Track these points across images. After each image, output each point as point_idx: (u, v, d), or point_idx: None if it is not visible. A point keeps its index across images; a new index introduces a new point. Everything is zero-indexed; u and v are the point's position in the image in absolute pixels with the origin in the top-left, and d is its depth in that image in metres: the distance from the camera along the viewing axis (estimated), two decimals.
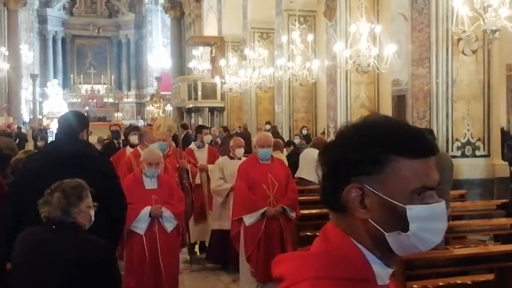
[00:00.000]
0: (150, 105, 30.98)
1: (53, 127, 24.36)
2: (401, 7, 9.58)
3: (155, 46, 34.74)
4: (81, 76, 37.27)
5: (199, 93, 20.74)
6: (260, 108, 18.18)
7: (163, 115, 10.06)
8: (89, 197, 2.87)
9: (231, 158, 6.58)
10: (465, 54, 8.28)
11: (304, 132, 14.12)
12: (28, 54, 30.32)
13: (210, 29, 23.82)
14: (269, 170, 5.50)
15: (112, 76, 38.13)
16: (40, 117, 31.08)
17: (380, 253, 1.10)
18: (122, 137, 10.32)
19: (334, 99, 11.75)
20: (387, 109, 11.02)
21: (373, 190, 1.07)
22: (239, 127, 18.29)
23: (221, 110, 21.43)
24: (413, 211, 1.06)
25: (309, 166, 9.14)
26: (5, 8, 27.92)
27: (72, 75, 37.34)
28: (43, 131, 22.95)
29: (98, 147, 10.19)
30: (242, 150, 6.58)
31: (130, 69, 38.34)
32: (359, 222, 1.09)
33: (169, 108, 29.13)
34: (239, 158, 6.49)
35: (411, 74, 8.97)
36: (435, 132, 7.71)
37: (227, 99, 20.79)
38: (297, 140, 12.41)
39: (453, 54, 8.26)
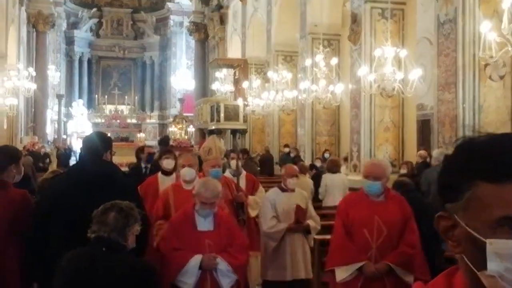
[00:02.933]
0: (173, 126, 31.16)
1: (77, 146, 24.66)
2: (427, 31, 9.53)
3: (179, 67, 35.06)
4: (106, 96, 37.78)
5: (222, 114, 20.80)
6: (282, 131, 18.16)
7: (212, 136, 8.30)
8: (138, 221, 2.85)
9: (283, 190, 5.61)
10: (492, 80, 8.18)
11: (327, 155, 14.03)
12: (55, 75, 30.85)
13: (234, 52, 24.03)
14: (379, 211, 4.07)
15: (136, 97, 38.57)
16: (65, 136, 31.47)
17: None
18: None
19: (358, 123, 11.68)
20: (411, 134, 10.90)
21: (458, 219, 0.94)
22: (263, 151, 18.21)
23: (243, 132, 21.45)
24: (493, 246, 0.88)
25: (335, 193, 8.94)
26: (34, 29, 28.54)
27: (96, 96, 37.88)
28: (68, 150, 23.24)
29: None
30: (294, 180, 5.61)
31: (153, 90, 38.77)
32: (460, 259, 0.96)
33: (191, 129, 29.29)
34: (293, 190, 5.61)
35: (437, 99, 8.88)
36: None
37: (249, 121, 20.83)
38: (318, 163, 12.34)
39: (480, 80, 8.16)
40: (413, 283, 1.03)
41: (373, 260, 3.99)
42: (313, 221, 5.57)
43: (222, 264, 3.82)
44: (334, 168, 9.23)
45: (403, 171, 8.73)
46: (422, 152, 8.79)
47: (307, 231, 5.54)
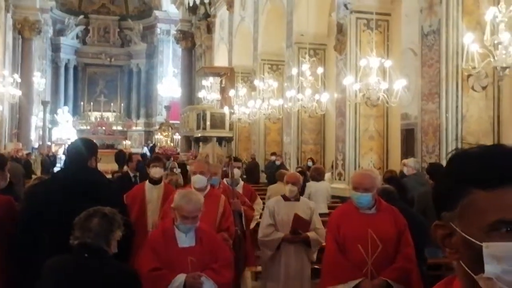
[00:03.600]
0: (159, 134, 31.08)
1: (61, 153, 24.50)
2: (411, 42, 9.64)
3: (165, 75, 35.03)
4: (91, 103, 37.60)
5: (208, 122, 20.82)
6: (268, 139, 18.22)
7: (211, 143, 7.78)
8: (121, 227, 2.84)
9: (286, 199, 5.28)
10: (475, 90, 8.30)
11: (310, 163, 14.08)
12: (40, 81, 30.64)
13: (220, 60, 24.08)
14: (371, 224, 3.82)
15: (122, 104, 38.44)
16: (49, 143, 31.24)
17: None
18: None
19: (343, 132, 11.76)
20: (395, 143, 11.00)
21: (454, 227, 0.98)
22: (249, 159, 18.24)
23: (229, 140, 21.48)
24: (490, 249, 0.92)
25: (319, 201, 8.96)
26: (20, 36, 28.37)
27: (82, 103, 37.67)
28: (52, 157, 23.07)
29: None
30: (294, 188, 5.25)
31: (140, 98, 38.66)
32: (458, 266, 0.99)
33: (177, 137, 29.24)
34: (297, 199, 5.28)
35: (420, 108, 8.98)
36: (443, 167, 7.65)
37: (235, 129, 20.87)
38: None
39: (463, 90, 8.28)
40: None
41: (369, 276, 3.75)
42: (316, 234, 5.13)
43: (208, 284, 3.49)
44: (318, 176, 9.27)
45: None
46: (405, 161, 8.86)
47: (307, 243, 5.14)
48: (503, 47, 6.43)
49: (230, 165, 6.28)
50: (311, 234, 5.11)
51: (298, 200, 5.31)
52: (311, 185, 9.13)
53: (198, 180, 4.73)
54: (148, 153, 21.22)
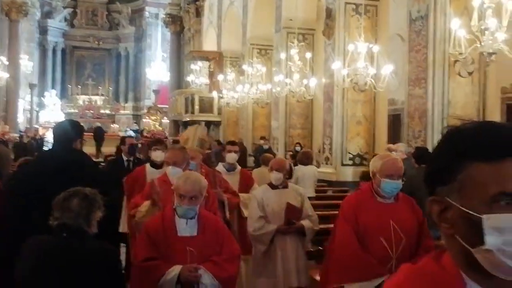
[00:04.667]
0: (147, 117, 30.96)
1: (49, 136, 24.32)
2: (399, 28, 9.67)
3: (154, 59, 34.82)
4: (79, 87, 37.30)
5: (196, 106, 20.80)
6: (256, 124, 18.24)
7: (195, 125, 7.20)
8: (102, 207, 2.82)
9: (274, 187, 4.87)
10: (461, 76, 8.36)
11: (298, 148, 14.13)
12: (28, 64, 30.36)
13: (209, 44, 23.96)
14: (392, 214, 3.44)
15: (110, 88, 38.19)
16: (37, 126, 31.04)
17: (477, 275, 0.96)
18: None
19: (331, 117, 11.81)
20: (383, 128, 11.07)
21: (451, 201, 0.98)
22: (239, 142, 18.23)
23: (217, 124, 21.48)
24: (491, 220, 0.92)
25: (310, 181, 9.05)
26: (7, 18, 28.01)
27: (70, 86, 37.37)
28: (39, 140, 22.93)
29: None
30: (279, 175, 4.84)
31: (128, 81, 38.41)
32: (451, 241, 1.00)
33: (165, 120, 29.17)
34: (285, 186, 4.90)
35: (407, 94, 9.04)
36: (430, 151, 7.74)
37: (223, 114, 20.86)
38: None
39: (449, 76, 8.34)
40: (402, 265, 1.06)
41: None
42: (309, 221, 4.85)
43: (206, 277, 3.16)
44: (306, 160, 9.30)
45: None
46: (391, 145, 8.93)
47: (301, 232, 4.84)
48: (490, 33, 6.45)
49: (225, 149, 5.96)
50: (305, 223, 4.81)
51: (286, 187, 4.93)
52: (299, 169, 9.17)
53: (171, 173, 4.31)
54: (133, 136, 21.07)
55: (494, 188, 0.93)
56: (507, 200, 0.93)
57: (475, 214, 0.93)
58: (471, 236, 0.94)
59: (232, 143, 6.44)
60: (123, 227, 5.41)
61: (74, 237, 2.68)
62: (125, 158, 7.43)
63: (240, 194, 5.61)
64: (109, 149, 17.86)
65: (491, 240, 0.91)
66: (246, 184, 5.84)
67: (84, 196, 2.74)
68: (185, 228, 3.27)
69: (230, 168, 5.89)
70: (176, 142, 10.32)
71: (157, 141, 6.42)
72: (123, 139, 8.30)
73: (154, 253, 3.22)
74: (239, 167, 6.05)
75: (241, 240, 5.03)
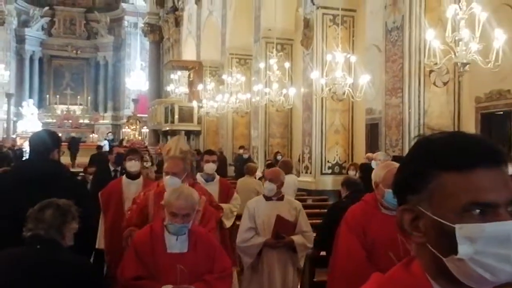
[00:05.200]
0: (126, 127, 30.80)
1: (27, 146, 24.03)
2: (375, 38, 9.80)
3: (133, 68, 34.72)
4: (57, 96, 36.94)
5: (176, 116, 20.77)
6: (236, 133, 18.26)
7: (177, 136, 8.24)
8: (76, 219, 2.79)
9: (268, 198, 4.70)
10: (436, 86, 8.50)
11: (279, 157, 14.17)
12: (4, 73, 30.02)
13: (188, 54, 23.97)
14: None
15: (89, 97, 37.90)
16: (14, 136, 30.64)
17: (447, 283, 0.97)
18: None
19: (310, 126, 11.89)
20: (360, 137, 11.18)
21: (423, 210, 0.98)
22: (219, 152, 18.23)
23: (197, 133, 21.46)
24: (463, 230, 0.92)
25: (289, 189, 9.11)
26: None
27: (48, 95, 37.00)
28: (18, 150, 22.63)
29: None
30: (271, 186, 4.66)
31: (107, 91, 38.18)
32: (422, 249, 1.00)
33: (145, 130, 29.04)
34: (280, 198, 4.70)
35: (384, 103, 9.15)
36: None
37: (203, 123, 20.85)
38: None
39: (425, 85, 8.47)
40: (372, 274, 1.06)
41: None
42: (302, 237, 4.62)
43: None
44: (286, 169, 9.33)
45: (351, 172, 8.95)
46: (370, 154, 9.03)
47: (292, 248, 4.61)
48: (464, 44, 6.59)
49: (203, 159, 5.85)
50: (296, 238, 4.57)
51: (281, 199, 4.72)
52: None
53: (170, 183, 3.99)
54: (107, 147, 20.67)
55: (466, 198, 0.93)
56: (478, 209, 0.93)
57: (448, 223, 0.93)
58: (443, 245, 0.95)
59: (210, 152, 6.28)
60: (99, 243, 5.26)
61: (47, 248, 2.65)
62: (111, 168, 7.11)
63: (222, 205, 5.36)
64: (86, 159, 17.74)
65: (463, 249, 0.92)
66: (226, 194, 5.70)
67: (57, 207, 2.71)
68: (175, 244, 3.09)
69: (209, 179, 5.74)
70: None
71: (131, 151, 6.19)
72: (111, 148, 7.77)
73: (141, 271, 3.05)
74: (218, 177, 5.90)
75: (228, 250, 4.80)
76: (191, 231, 3.15)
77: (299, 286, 4.93)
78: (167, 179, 4.08)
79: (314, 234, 4.78)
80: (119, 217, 5.31)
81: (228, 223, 5.41)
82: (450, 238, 0.93)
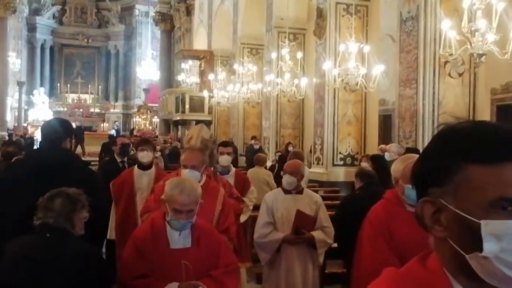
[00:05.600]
0: (137, 116, 30.86)
1: (38, 135, 24.14)
2: (390, 28, 9.68)
3: (144, 58, 34.68)
4: (68, 85, 37.07)
5: (187, 106, 20.74)
6: (247, 123, 18.22)
7: (199, 125, 5.97)
8: (86, 207, 2.80)
9: (286, 191, 4.48)
10: (451, 77, 8.38)
11: (290, 148, 14.11)
12: (16, 62, 30.12)
13: (199, 43, 23.90)
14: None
15: (100, 86, 38.00)
16: (25, 124, 30.81)
17: (467, 280, 0.93)
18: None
19: (322, 116, 11.80)
20: (373, 128, 11.09)
21: (445, 204, 0.93)
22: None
23: (208, 123, 21.43)
24: (489, 226, 0.88)
25: None
26: None
27: (59, 84, 37.15)
28: (29, 139, 22.75)
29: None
30: (291, 179, 4.42)
31: (118, 80, 38.24)
32: (442, 244, 0.95)
33: (156, 119, 29.07)
34: (299, 192, 4.48)
35: (398, 94, 9.05)
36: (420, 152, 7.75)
37: (214, 113, 20.81)
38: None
39: (439, 76, 8.35)
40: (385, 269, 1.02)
41: None
42: (322, 233, 4.44)
43: None
44: (299, 159, 9.30)
45: (364, 164, 8.86)
46: (383, 146, 8.95)
47: (312, 245, 4.42)
48: (480, 34, 6.47)
49: (217, 151, 5.56)
50: (316, 234, 4.40)
51: (301, 192, 4.51)
52: None
53: (189, 176, 3.76)
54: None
55: (493, 193, 0.89)
56: (506, 205, 0.88)
57: (473, 219, 0.89)
58: (466, 241, 0.90)
59: (225, 144, 6.01)
60: (110, 234, 5.24)
61: (57, 237, 2.65)
62: (118, 159, 6.99)
63: None
64: (95, 148, 18.20)
65: (489, 247, 0.87)
66: (242, 187, 5.50)
67: (67, 196, 2.72)
68: (178, 239, 2.96)
69: (224, 171, 5.53)
70: (166, 142, 9.85)
71: (143, 141, 6.12)
72: (115, 139, 7.73)
73: (144, 269, 2.91)
74: (233, 169, 5.69)
75: (238, 246, 4.73)
76: (194, 225, 3.01)
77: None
78: (185, 173, 3.87)
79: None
80: (131, 208, 5.39)
81: (243, 217, 5.25)
82: (474, 234, 0.89)
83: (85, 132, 24.64)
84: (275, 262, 4.39)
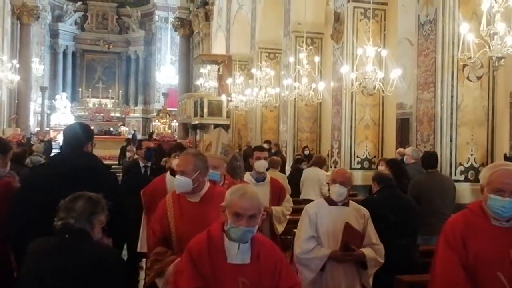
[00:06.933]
0: (156, 121, 31.14)
1: (60, 139, 24.50)
2: (407, 32, 9.68)
3: (163, 63, 34.99)
4: (90, 90, 37.58)
5: (205, 110, 20.87)
6: (265, 127, 18.28)
7: (217, 129, 5.36)
8: (105, 211, 2.84)
9: (331, 203, 4.07)
10: (470, 80, 8.33)
11: (306, 152, 14.15)
12: (39, 67, 30.62)
13: (218, 48, 24.05)
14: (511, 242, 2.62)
15: (120, 91, 38.41)
16: (47, 129, 31.26)
17: None
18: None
19: (339, 120, 11.81)
20: (391, 132, 11.07)
21: None
22: (247, 146, 18.30)
23: (226, 127, 21.54)
24: None
25: (314, 185, 9.23)
26: (18, 21, 28.26)
27: (80, 89, 37.66)
28: (47, 142, 23.06)
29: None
30: (342, 190, 4.02)
31: (138, 85, 38.63)
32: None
33: (174, 123, 29.29)
34: (345, 204, 4.07)
35: (416, 98, 9.02)
36: (438, 156, 7.73)
37: (232, 117, 20.91)
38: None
39: (458, 80, 8.31)
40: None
41: None
42: (372, 251, 3.99)
43: None
44: (320, 164, 9.42)
45: (381, 167, 8.87)
46: (401, 149, 8.96)
47: (361, 263, 4.00)
48: (499, 38, 6.43)
49: (252, 155, 5.26)
50: (367, 252, 3.96)
51: (347, 204, 4.08)
52: (314, 170, 9.29)
53: (177, 183, 3.44)
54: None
55: None
56: None
57: None
58: None
59: (261, 148, 5.60)
60: (141, 246, 4.92)
61: (76, 238, 2.70)
62: (141, 164, 6.71)
63: (272, 208, 4.98)
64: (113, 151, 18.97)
65: None
66: (278, 196, 5.17)
67: (88, 198, 2.78)
68: (237, 254, 2.67)
69: (259, 178, 5.16)
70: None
71: (177, 147, 5.69)
72: (140, 143, 7.48)
73: (199, 283, 2.65)
74: (269, 177, 5.28)
75: None
76: (254, 239, 2.73)
77: None
78: (172, 179, 3.55)
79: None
80: None
81: (280, 228, 4.97)
82: None
83: (101, 136, 25.26)
84: (317, 282, 3.96)
